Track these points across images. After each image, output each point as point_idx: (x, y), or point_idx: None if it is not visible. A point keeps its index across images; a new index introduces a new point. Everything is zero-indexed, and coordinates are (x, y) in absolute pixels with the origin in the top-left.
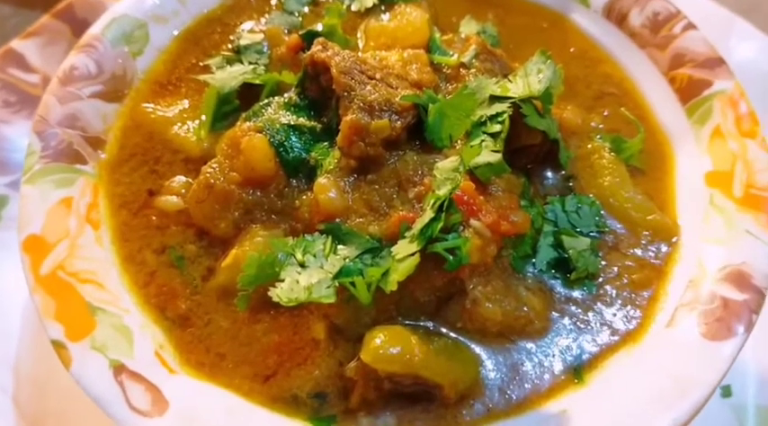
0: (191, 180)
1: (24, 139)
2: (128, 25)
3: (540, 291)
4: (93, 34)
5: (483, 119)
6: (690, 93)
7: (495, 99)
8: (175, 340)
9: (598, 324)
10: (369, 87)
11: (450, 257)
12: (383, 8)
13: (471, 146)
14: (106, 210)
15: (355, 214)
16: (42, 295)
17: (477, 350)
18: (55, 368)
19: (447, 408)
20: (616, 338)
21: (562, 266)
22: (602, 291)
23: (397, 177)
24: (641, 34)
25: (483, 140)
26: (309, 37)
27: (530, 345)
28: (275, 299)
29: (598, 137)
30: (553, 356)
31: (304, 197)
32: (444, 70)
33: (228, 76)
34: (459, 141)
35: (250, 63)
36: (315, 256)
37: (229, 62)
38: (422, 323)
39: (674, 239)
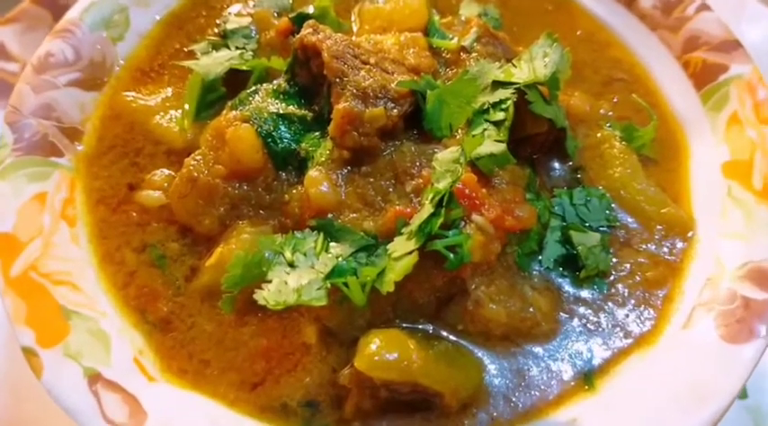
0: (173, 173)
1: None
2: (107, 9)
3: (547, 291)
4: (70, 19)
5: (485, 107)
6: (705, 78)
7: (498, 85)
8: (156, 345)
9: (609, 326)
10: (363, 73)
11: (451, 255)
12: None
13: (473, 136)
14: (83, 206)
15: (349, 209)
16: (13, 298)
17: (480, 354)
18: (30, 374)
19: (448, 418)
20: (629, 341)
21: (570, 263)
22: (613, 290)
23: (393, 169)
24: (652, 16)
25: (485, 129)
26: (300, 20)
27: (536, 349)
28: (261, 302)
29: (608, 125)
30: (561, 360)
31: (294, 191)
32: (444, 54)
33: (214, 62)
34: (459, 130)
35: (237, 48)
36: (305, 255)
37: (215, 47)
38: (420, 326)
39: (689, 234)
